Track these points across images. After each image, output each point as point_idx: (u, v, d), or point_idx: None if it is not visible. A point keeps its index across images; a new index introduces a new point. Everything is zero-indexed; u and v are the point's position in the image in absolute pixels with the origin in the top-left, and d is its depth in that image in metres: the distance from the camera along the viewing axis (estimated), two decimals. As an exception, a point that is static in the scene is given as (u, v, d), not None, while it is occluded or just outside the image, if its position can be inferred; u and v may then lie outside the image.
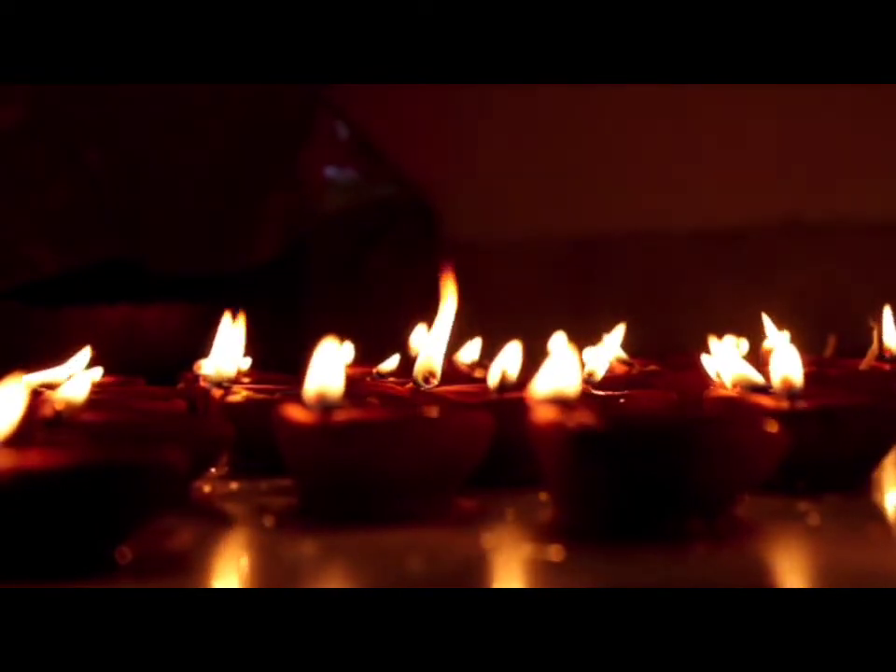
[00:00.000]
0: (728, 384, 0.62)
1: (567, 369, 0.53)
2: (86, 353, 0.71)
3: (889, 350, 0.75)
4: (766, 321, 0.75)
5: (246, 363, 0.76)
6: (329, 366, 0.54)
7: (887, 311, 0.76)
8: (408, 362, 0.72)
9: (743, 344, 0.83)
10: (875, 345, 0.75)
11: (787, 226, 1.42)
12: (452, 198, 1.40)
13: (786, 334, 0.78)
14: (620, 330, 0.85)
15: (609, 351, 0.83)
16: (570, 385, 0.52)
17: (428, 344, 0.67)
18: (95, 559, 0.45)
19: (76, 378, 0.60)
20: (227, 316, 0.71)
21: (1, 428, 0.49)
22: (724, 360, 0.63)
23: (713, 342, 0.64)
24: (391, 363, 0.78)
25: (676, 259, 1.45)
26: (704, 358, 0.67)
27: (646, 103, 1.44)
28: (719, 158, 1.45)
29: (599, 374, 0.71)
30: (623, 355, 0.84)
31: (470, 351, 0.84)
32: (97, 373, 0.72)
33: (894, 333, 0.76)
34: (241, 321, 0.71)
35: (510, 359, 0.63)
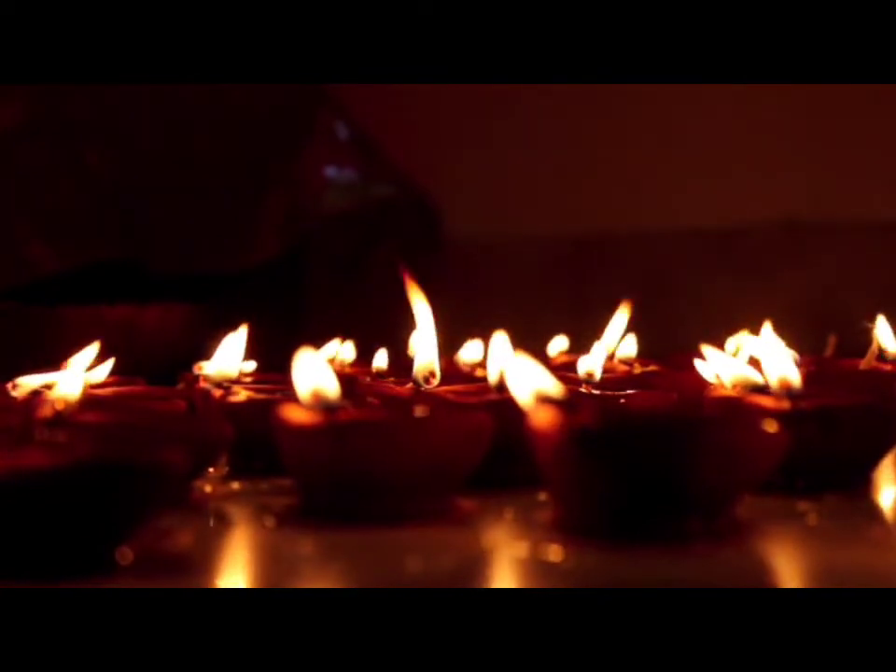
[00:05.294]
0: (727, 385, 0.62)
1: (532, 371, 0.52)
2: (93, 349, 0.71)
3: (889, 351, 0.75)
4: (766, 328, 0.75)
5: (250, 366, 0.76)
6: (316, 369, 0.54)
7: (881, 320, 0.76)
8: (405, 361, 0.72)
9: (744, 342, 0.83)
10: (874, 345, 0.75)
11: (787, 226, 1.42)
12: (452, 198, 1.39)
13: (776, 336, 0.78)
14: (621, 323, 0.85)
15: (612, 347, 0.82)
16: (551, 385, 0.52)
17: (423, 345, 0.67)
18: (95, 559, 0.45)
19: (71, 376, 0.60)
20: (243, 328, 0.71)
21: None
22: (721, 364, 0.63)
23: (706, 349, 0.64)
24: (380, 359, 0.78)
25: (676, 258, 1.45)
26: (699, 364, 0.67)
27: (646, 102, 1.44)
28: (719, 158, 1.45)
29: (598, 375, 0.71)
30: (626, 354, 0.84)
31: (471, 351, 0.84)
32: (102, 372, 0.72)
33: (893, 335, 0.76)
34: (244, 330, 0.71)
35: (504, 355, 0.63)
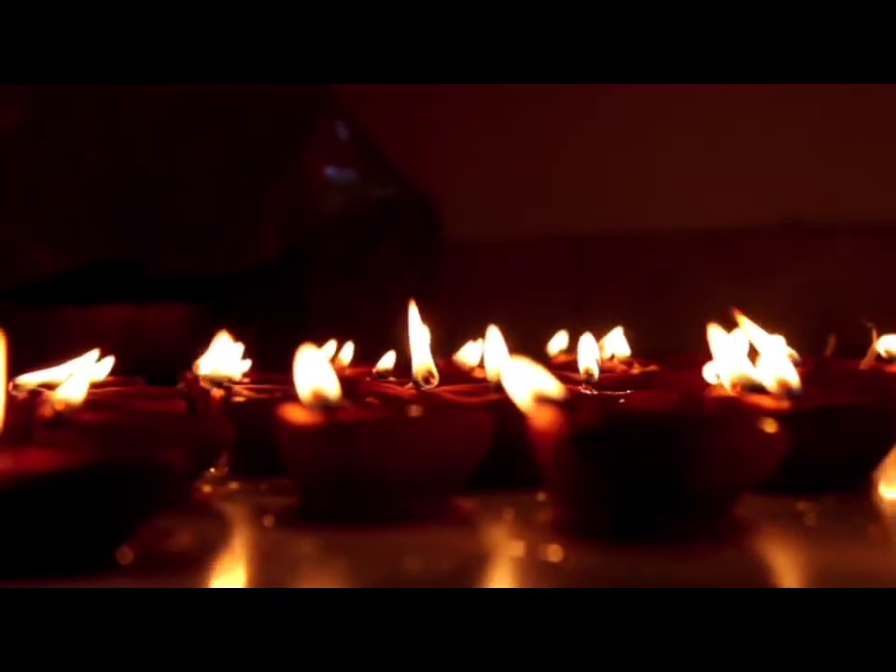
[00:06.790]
0: (728, 384, 0.62)
1: (531, 373, 0.52)
2: (92, 355, 0.71)
3: (889, 352, 0.75)
4: (749, 325, 0.74)
5: (246, 365, 0.77)
6: (316, 368, 0.54)
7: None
8: (406, 362, 0.72)
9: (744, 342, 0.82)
10: (874, 345, 0.75)
11: (787, 226, 1.42)
12: (452, 198, 1.40)
13: (779, 336, 0.78)
14: (618, 332, 0.85)
15: (609, 350, 0.83)
16: (550, 385, 0.52)
17: (416, 347, 0.67)
18: (96, 559, 0.45)
19: (74, 377, 0.60)
20: (224, 335, 0.71)
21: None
22: (725, 359, 0.63)
23: (714, 332, 0.63)
24: (387, 361, 0.78)
25: (676, 258, 1.46)
26: (706, 367, 0.67)
27: (647, 103, 1.44)
28: (719, 158, 1.46)
29: (596, 374, 0.71)
30: (624, 354, 0.84)
31: (470, 351, 0.84)
32: (103, 369, 0.72)
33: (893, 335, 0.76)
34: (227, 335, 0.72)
35: (500, 350, 0.63)
